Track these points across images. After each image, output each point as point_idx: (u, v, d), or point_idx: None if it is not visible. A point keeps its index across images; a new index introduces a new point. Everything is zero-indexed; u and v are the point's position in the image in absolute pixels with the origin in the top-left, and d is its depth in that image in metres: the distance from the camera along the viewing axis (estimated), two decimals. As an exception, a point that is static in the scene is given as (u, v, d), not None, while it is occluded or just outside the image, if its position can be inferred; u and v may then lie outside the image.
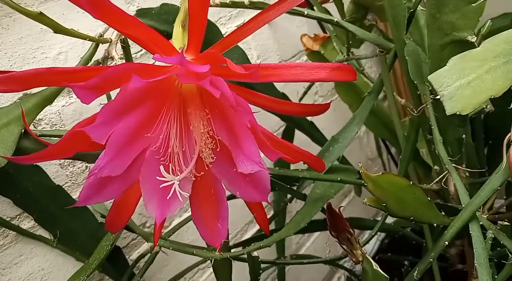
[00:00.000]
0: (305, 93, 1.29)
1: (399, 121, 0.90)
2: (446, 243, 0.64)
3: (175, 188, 0.61)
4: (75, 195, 0.89)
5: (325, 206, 0.88)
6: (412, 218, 0.61)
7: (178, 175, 0.62)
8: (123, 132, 0.58)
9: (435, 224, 0.94)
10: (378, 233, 0.99)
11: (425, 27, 1.00)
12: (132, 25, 0.54)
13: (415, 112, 0.82)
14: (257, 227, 1.35)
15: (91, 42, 0.78)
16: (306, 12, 0.90)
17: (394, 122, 0.90)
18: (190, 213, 1.12)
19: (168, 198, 0.61)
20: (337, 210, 0.69)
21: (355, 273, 1.39)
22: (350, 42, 1.14)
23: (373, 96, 0.97)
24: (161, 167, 0.61)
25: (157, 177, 0.61)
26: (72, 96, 0.89)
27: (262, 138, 0.56)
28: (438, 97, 0.67)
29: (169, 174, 0.61)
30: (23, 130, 0.62)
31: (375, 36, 1.00)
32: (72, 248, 0.86)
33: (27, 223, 0.85)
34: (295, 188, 0.95)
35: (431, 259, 0.66)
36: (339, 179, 0.84)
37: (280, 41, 1.39)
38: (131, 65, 0.53)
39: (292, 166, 0.91)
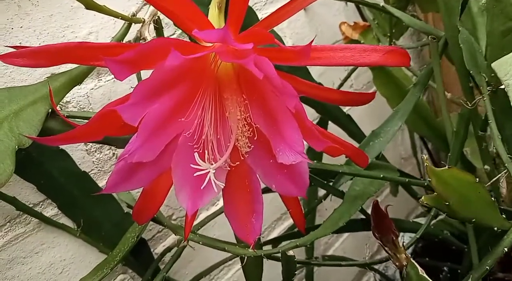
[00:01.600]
0: (341, 85, 1.24)
1: (448, 115, 0.84)
2: (506, 249, 0.59)
3: (209, 178, 0.57)
4: (101, 183, 0.86)
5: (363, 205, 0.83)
6: (474, 219, 0.56)
7: (213, 163, 0.58)
8: (157, 114, 0.55)
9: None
10: (411, 235, 0.93)
11: (478, 15, 0.93)
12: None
13: (469, 105, 0.76)
14: (284, 225, 1.31)
15: (123, 22, 0.74)
16: (351, -5, 0.85)
17: (444, 116, 0.84)
18: (217, 207, 1.09)
19: (202, 188, 0.57)
20: (383, 209, 0.64)
21: (387, 276, 1.33)
22: (393, 30, 1.08)
23: (419, 88, 0.91)
24: (196, 154, 0.57)
25: (191, 165, 0.57)
26: (101, 79, 0.86)
27: (310, 125, 0.52)
28: (499, 87, 0.61)
29: (204, 162, 0.57)
30: (50, 110, 0.59)
31: (422, 23, 0.93)
32: (96, 239, 0.83)
33: (50, 211, 0.82)
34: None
35: (487, 267, 0.60)
36: (381, 176, 0.79)
37: (317, 29, 1.34)
38: (169, 40, 0.48)
39: (325, 160, 0.86)
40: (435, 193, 0.52)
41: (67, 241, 0.85)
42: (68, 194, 0.77)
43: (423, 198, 0.53)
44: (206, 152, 0.60)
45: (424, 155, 0.54)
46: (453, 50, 0.84)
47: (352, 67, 1.19)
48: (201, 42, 0.58)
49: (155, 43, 0.47)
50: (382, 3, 0.88)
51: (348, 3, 1.36)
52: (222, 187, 0.58)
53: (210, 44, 0.56)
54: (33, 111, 0.57)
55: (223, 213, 0.86)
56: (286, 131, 0.55)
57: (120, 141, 0.62)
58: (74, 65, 0.65)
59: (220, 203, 1.10)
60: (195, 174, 0.56)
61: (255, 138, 0.61)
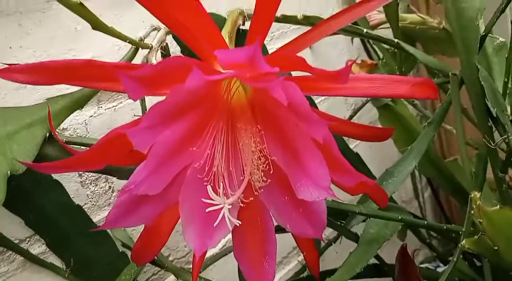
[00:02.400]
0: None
1: (467, 155, 0.80)
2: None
3: (223, 214, 0.51)
4: (95, 218, 0.79)
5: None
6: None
7: (226, 198, 0.52)
8: (168, 141, 0.50)
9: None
10: None
11: (493, 55, 0.92)
12: (188, 8, 0.46)
13: (492, 144, 0.72)
14: (292, 264, 1.23)
15: (127, 49, 0.71)
16: (365, 31, 0.83)
17: (462, 157, 0.80)
18: (216, 249, 1.02)
19: (214, 225, 0.51)
20: (411, 255, 0.58)
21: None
22: (403, 69, 1.06)
23: (433, 127, 0.88)
24: (209, 187, 0.52)
25: (203, 199, 0.51)
26: (101, 106, 0.81)
27: (340, 157, 0.47)
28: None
29: (218, 196, 0.51)
30: (47, 134, 0.54)
31: (437, 60, 0.91)
32: (86, 280, 0.76)
33: (38, 248, 0.75)
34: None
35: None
36: (399, 217, 0.74)
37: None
38: (191, 60, 0.44)
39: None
40: (477, 237, 0.47)
41: (53, 283, 0.77)
42: (59, 230, 0.71)
43: (464, 241, 0.48)
44: (216, 186, 0.55)
45: (474, 192, 0.50)
46: (470, 88, 0.81)
47: (358, 105, 1.16)
48: (217, 66, 0.53)
49: (176, 60, 0.43)
50: (396, 40, 0.86)
51: (354, 42, 1.35)
52: (238, 224, 0.52)
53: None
54: (29, 134, 0.52)
55: (223, 256, 0.80)
56: (309, 164, 0.51)
57: (123, 172, 0.57)
58: (75, 89, 0.60)
59: (220, 245, 1.03)
60: (207, 210, 0.51)
61: (271, 172, 0.57)
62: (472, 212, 0.47)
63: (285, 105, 0.46)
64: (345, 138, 1.01)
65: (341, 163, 0.47)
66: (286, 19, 0.86)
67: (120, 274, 0.71)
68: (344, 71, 0.41)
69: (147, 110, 0.52)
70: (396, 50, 1.07)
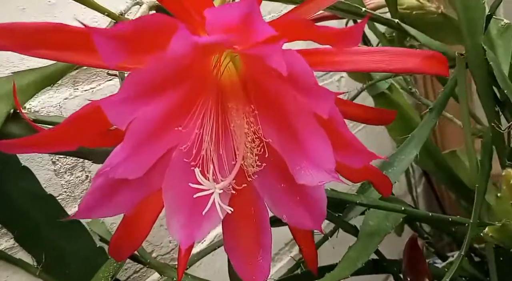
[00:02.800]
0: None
1: (472, 141, 0.75)
2: None
3: (213, 201, 0.45)
4: (70, 211, 0.73)
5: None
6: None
7: (218, 182, 0.47)
8: (149, 118, 0.44)
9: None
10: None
11: (498, 37, 0.88)
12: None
13: (502, 129, 0.67)
14: (284, 261, 1.18)
15: (107, 23, 0.64)
16: (363, 9, 0.78)
17: (467, 146, 0.75)
18: (203, 245, 0.96)
19: (203, 213, 0.45)
20: (421, 248, 0.53)
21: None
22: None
23: (435, 114, 0.83)
24: (197, 170, 0.46)
25: (191, 184, 0.45)
26: (77, 88, 0.74)
27: (347, 134, 0.41)
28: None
29: (207, 180, 0.45)
30: (12, 110, 0.47)
31: (439, 43, 0.86)
32: (59, 278, 0.69)
33: (5, 243, 0.68)
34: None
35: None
36: (403, 208, 0.69)
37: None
38: (174, 20, 0.38)
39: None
40: (500, 224, 0.42)
41: (24, 281, 0.70)
42: (29, 222, 0.64)
43: (487, 229, 0.43)
44: (205, 171, 0.49)
45: (508, 170, 0.45)
46: (475, 71, 0.77)
47: (354, 93, 1.11)
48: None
49: (158, 18, 0.37)
50: (396, 20, 0.80)
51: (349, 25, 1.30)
52: (230, 211, 0.46)
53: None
54: (-10, 110, 0.45)
55: (211, 251, 0.74)
56: (310, 144, 0.45)
57: (100, 155, 0.50)
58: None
59: (208, 239, 0.96)
60: (196, 195, 0.44)
61: (266, 156, 0.51)
62: (499, 195, 0.41)
63: (285, 75, 0.40)
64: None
65: (348, 140, 0.41)
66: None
67: (97, 271, 0.65)
68: (356, 29, 0.35)
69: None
70: (393, 35, 1.01)
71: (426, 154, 1.17)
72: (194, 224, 0.48)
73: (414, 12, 1.13)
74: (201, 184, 0.45)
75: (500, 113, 0.75)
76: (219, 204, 0.44)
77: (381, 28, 1.03)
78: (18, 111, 0.47)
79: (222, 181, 0.49)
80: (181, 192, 0.48)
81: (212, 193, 0.45)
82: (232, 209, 0.45)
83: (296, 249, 1.21)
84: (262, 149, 0.51)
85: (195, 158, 0.50)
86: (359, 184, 0.79)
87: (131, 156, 0.44)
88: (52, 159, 0.71)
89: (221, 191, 0.44)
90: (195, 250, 0.93)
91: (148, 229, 0.52)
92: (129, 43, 0.36)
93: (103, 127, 0.46)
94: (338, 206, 0.82)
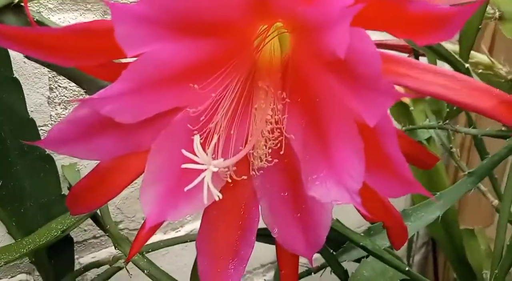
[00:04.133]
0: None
1: (506, 224, 0.66)
2: None
3: (201, 179, 0.37)
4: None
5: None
6: None
7: (215, 160, 0.38)
8: (166, 58, 0.37)
9: None
10: None
11: None
12: None
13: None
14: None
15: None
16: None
17: (500, 224, 0.65)
18: (177, 234, 0.87)
19: (185, 190, 0.37)
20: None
21: None
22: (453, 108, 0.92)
23: (474, 180, 0.74)
24: (197, 138, 0.38)
25: (183, 151, 0.37)
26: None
27: (397, 152, 0.32)
28: None
29: (205, 154, 0.37)
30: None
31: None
32: (10, 214, 0.61)
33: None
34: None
35: None
36: (407, 269, 0.60)
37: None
38: None
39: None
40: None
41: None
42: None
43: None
44: (206, 146, 0.41)
45: None
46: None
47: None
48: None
49: None
50: (467, 65, 0.72)
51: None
52: (218, 198, 0.37)
53: None
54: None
55: (184, 243, 0.66)
56: (339, 153, 0.37)
57: (96, 86, 0.43)
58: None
59: (183, 230, 0.88)
60: (184, 165, 0.36)
61: (280, 153, 0.43)
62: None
63: (342, 56, 0.32)
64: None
65: (392, 159, 0.33)
66: None
67: (51, 220, 0.57)
68: (459, 14, 0.27)
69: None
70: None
71: (443, 222, 1.08)
72: (172, 200, 0.40)
73: (479, 71, 1.05)
74: (195, 155, 0.36)
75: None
76: (208, 184, 0.36)
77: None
78: (22, 2, 0.39)
79: (224, 159, 0.41)
80: (170, 159, 0.41)
81: (205, 170, 0.36)
82: (220, 196, 0.37)
83: (271, 275, 1.11)
84: (279, 144, 0.44)
85: (201, 128, 0.43)
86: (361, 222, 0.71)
87: (129, 95, 0.36)
88: (51, 84, 0.63)
89: (216, 170, 0.36)
90: (166, 236, 0.85)
91: (117, 191, 0.44)
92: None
93: (108, 54, 0.38)
94: (334, 241, 0.74)
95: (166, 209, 0.40)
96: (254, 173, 0.45)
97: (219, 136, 0.44)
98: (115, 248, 0.54)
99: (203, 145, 0.40)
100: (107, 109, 0.36)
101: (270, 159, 0.44)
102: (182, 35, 0.37)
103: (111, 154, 0.42)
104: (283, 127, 0.43)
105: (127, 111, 0.37)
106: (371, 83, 0.31)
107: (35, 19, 0.41)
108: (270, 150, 0.44)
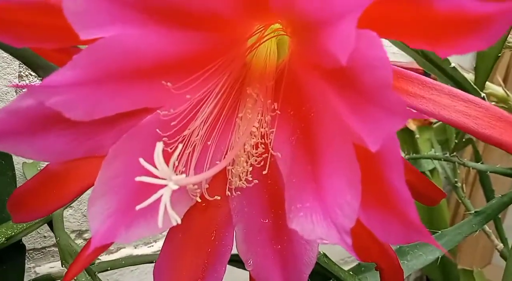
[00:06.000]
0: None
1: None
2: None
3: (161, 197, 0.30)
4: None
5: None
6: None
7: (178, 174, 0.32)
8: (134, 46, 0.31)
9: None
10: None
11: None
12: None
13: None
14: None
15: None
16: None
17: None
18: (150, 250, 0.80)
19: (137, 209, 0.30)
20: None
21: None
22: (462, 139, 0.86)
23: (480, 220, 0.68)
24: (159, 145, 0.31)
25: (142, 161, 0.30)
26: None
27: (402, 186, 0.26)
28: None
29: (167, 166, 0.30)
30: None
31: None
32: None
33: None
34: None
35: None
36: (398, 317, 0.52)
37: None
38: None
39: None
40: None
41: None
42: None
43: None
44: (176, 155, 0.35)
45: None
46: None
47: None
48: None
49: None
50: (483, 94, 0.66)
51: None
52: (175, 223, 0.31)
53: None
54: None
55: (151, 263, 0.59)
56: (331, 182, 0.31)
57: (47, 68, 0.36)
58: None
59: (157, 246, 0.80)
60: (137, 179, 0.29)
61: (263, 173, 0.37)
62: None
63: (343, 62, 0.26)
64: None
65: (395, 195, 0.26)
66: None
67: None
68: (503, 13, 0.20)
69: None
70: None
71: (440, 261, 1.01)
72: (124, 219, 0.33)
73: (492, 103, 0.99)
74: (155, 167, 0.30)
75: None
76: (165, 205, 0.29)
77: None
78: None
79: (187, 175, 0.35)
80: (128, 169, 0.34)
81: (163, 187, 0.29)
82: (179, 221, 0.30)
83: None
84: (263, 162, 0.38)
85: (172, 136, 0.36)
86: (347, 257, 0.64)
87: (81, 85, 0.30)
88: (21, 72, 0.57)
89: (176, 188, 0.29)
90: (137, 251, 0.77)
91: (66, 200, 0.37)
92: None
93: (70, 37, 0.32)
94: (317, 275, 0.67)
95: (116, 228, 0.33)
96: (230, 193, 0.39)
97: (194, 146, 0.37)
98: (61, 265, 0.47)
99: (171, 153, 0.34)
100: (54, 101, 0.29)
101: (251, 179, 0.38)
102: (157, 21, 0.30)
103: (63, 156, 0.35)
104: (270, 143, 0.37)
105: (78, 106, 0.30)
106: (378, 97, 0.24)
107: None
108: (251, 168, 0.38)
